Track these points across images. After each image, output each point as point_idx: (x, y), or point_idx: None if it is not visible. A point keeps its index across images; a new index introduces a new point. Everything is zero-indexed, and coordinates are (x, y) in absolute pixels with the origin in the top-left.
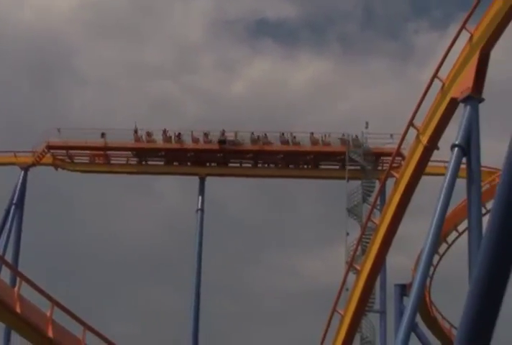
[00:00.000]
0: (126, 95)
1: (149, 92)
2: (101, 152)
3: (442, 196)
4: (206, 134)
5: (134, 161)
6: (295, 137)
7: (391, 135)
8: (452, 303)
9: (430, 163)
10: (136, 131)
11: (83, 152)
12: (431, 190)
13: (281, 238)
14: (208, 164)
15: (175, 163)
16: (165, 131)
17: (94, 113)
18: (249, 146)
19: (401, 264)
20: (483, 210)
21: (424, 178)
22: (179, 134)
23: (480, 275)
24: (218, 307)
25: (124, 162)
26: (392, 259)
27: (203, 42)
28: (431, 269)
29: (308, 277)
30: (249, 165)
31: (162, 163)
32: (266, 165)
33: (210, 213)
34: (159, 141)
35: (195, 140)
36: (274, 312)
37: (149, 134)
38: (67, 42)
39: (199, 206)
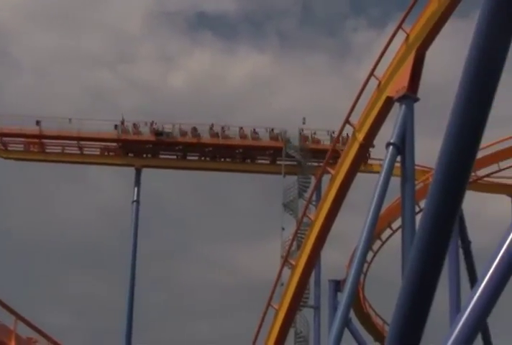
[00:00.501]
0: (63, 84)
1: (86, 81)
2: (36, 140)
3: (376, 194)
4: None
5: (70, 150)
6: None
7: (328, 132)
8: (385, 300)
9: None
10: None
11: (17, 139)
12: (368, 188)
13: (217, 232)
14: (144, 155)
15: (111, 153)
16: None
17: (30, 101)
18: (185, 139)
19: (336, 261)
20: (417, 209)
21: (361, 175)
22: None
23: (412, 273)
24: (153, 299)
25: (60, 151)
26: (327, 256)
27: (142, 32)
28: (365, 265)
29: (243, 271)
30: (187, 158)
31: (97, 153)
32: (202, 158)
33: (146, 205)
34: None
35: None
36: (208, 305)
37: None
38: (3, 28)
39: (135, 198)
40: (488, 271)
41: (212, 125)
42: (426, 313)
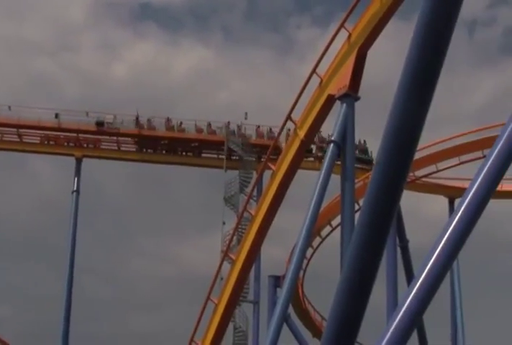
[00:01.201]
0: (3, 71)
1: (27, 69)
2: None
3: (316, 191)
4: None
5: (9, 138)
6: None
7: (269, 128)
8: (324, 296)
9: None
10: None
11: None
12: (309, 185)
13: (160, 224)
14: (85, 145)
15: (51, 142)
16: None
17: None
18: (129, 130)
19: (277, 256)
20: (356, 207)
21: (304, 172)
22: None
23: (349, 270)
24: (92, 291)
25: None
26: (268, 251)
27: (85, 22)
28: (305, 262)
29: (185, 264)
30: (129, 149)
31: (37, 141)
32: (143, 150)
33: (86, 196)
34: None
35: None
36: (149, 298)
37: None
38: None
39: (75, 188)
40: (424, 269)
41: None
42: (363, 309)
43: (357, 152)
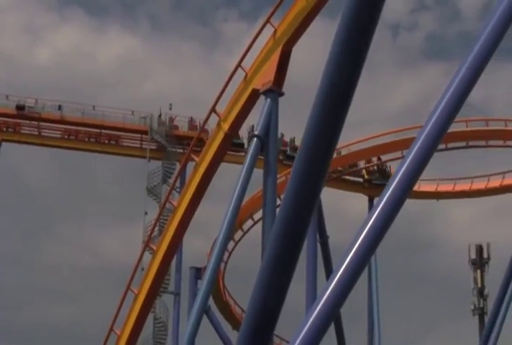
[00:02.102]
0: None
1: None
2: None
3: (239, 185)
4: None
5: None
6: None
7: (193, 119)
8: (245, 289)
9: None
10: None
11: None
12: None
13: (81, 213)
14: (5, 129)
15: None
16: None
17: None
18: (49, 115)
19: (199, 248)
20: (278, 201)
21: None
22: None
23: (268, 264)
24: (12, 280)
25: None
26: (190, 243)
27: (8, 3)
28: (226, 254)
29: (106, 254)
30: (51, 135)
31: None
32: (66, 136)
33: (5, 181)
34: None
35: None
36: (70, 287)
37: None
38: None
39: None
40: (343, 263)
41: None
42: (281, 302)
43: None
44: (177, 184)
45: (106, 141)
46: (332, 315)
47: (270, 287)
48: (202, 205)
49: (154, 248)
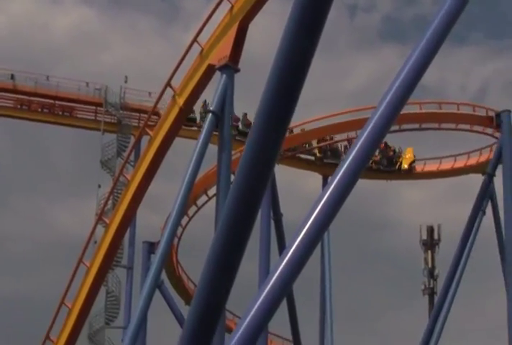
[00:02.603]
0: None
1: None
2: None
3: (193, 160)
4: None
5: None
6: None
7: (149, 93)
8: (199, 265)
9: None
10: None
11: None
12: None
13: (33, 185)
14: None
15: None
16: None
17: None
18: (1, 84)
19: (153, 223)
20: (232, 178)
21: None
22: None
23: (219, 239)
24: None
25: None
26: (145, 217)
27: None
28: (180, 229)
29: (59, 227)
30: (2, 104)
31: None
32: (18, 106)
33: None
34: None
35: None
36: (21, 260)
37: None
38: None
39: None
40: (296, 240)
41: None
42: (232, 278)
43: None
44: (132, 158)
45: (60, 113)
46: (284, 291)
47: (221, 263)
48: (157, 180)
49: (107, 221)
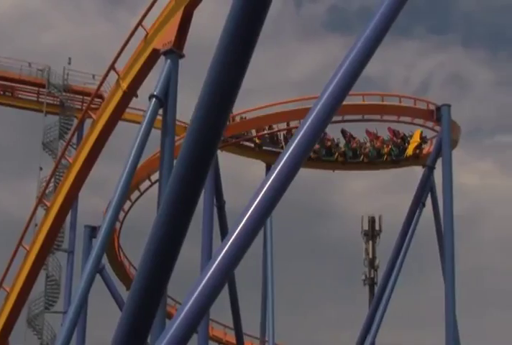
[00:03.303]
0: None
1: None
2: None
3: (136, 145)
4: None
5: None
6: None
7: (93, 76)
8: (141, 250)
9: (131, 110)
10: None
11: None
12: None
13: None
14: None
15: None
16: None
17: None
18: None
19: (96, 207)
20: (175, 163)
21: (128, 125)
22: None
23: (159, 226)
24: None
25: None
26: (87, 201)
27: None
28: (122, 214)
29: None
30: None
31: None
32: None
33: None
34: None
35: None
36: None
37: None
38: None
39: None
40: (238, 226)
41: None
42: (172, 264)
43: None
44: (74, 140)
45: (1, 93)
46: (226, 276)
47: (161, 247)
48: (101, 163)
49: (48, 204)
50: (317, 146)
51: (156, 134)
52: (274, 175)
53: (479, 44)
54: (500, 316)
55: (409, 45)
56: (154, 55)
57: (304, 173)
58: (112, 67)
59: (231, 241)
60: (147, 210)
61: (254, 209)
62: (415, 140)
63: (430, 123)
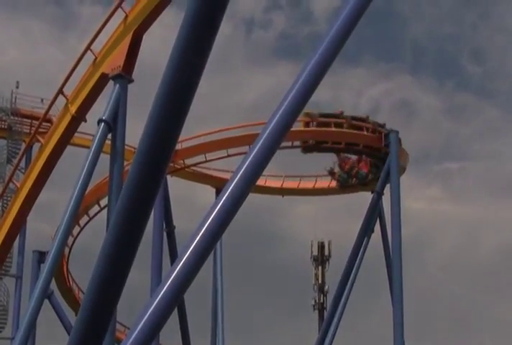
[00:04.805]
0: None
1: None
2: None
3: (85, 169)
4: None
5: None
6: None
7: (42, 100)
8: (90, 275)
9: (80, 135)
10: None
11: None
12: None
13: None
14: None
15: None
16: None
17: None
18: None
19: (45, 232)
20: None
21: (77, 149)
22: None
23: (106, 252)
24: None
25: None
26: (36, 226)
27: None
28: (71, 239)
29: None
30: None
31: None
32: None
33: None
34: None
35: None
36: None
37: None
38: None
39: None
40: (188, 249)
41: None
42: (119, 289)
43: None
44: (22, 165)
45: None
46: (175, 300)
47: (108, 273)
48: (50, 188)
49: None
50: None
51: (105, 158)
52: (223, 199)
53: (427, 72)
54: (448, 338)
55: (358, 72)
56: (103, 80)
57: (252, 198)
58: (60, 91)
59: (180, 264)
60: (96, 236)
61: (203, 233)
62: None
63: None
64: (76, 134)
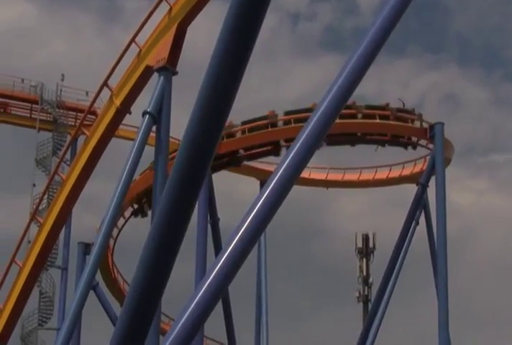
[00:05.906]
0: None
1: None
2: None
3: (130, 161)
4: None
5: None
6: None
7: (87, 92)
8: (134, 267)
9: (124, 127)
10: None
11: None
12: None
13: None
14: None
15: None
16: None
17: None
18: None
19: (90, 224)
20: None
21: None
22: None
23: (151, 244)
24: None
25: None
26: (82, 218)
27: None
28: (116, 231)
29: None
30: None
31: None
32: None
33: None
34: None
35: None
36: None
37: None
38: None
39: None
40: (232, 242)
41: None
42: (165, 280)
43: None
44: (68, 157)
45: None
46: (219, 293)
47: (154, 264)
48: (94, 180)
49: (42, 221)
50: None
51: (150, 150)
52: (267, 192)
53: (473, 63)
54: (492, 333)
55: (404, 64)
56: (148, 72)
57: (296, 190)
58: (105, 83)
59: (224, 257)
60: (140, 227)
61: (247, 226)
62: None
63: (423, 142)
64: (121, 127)
